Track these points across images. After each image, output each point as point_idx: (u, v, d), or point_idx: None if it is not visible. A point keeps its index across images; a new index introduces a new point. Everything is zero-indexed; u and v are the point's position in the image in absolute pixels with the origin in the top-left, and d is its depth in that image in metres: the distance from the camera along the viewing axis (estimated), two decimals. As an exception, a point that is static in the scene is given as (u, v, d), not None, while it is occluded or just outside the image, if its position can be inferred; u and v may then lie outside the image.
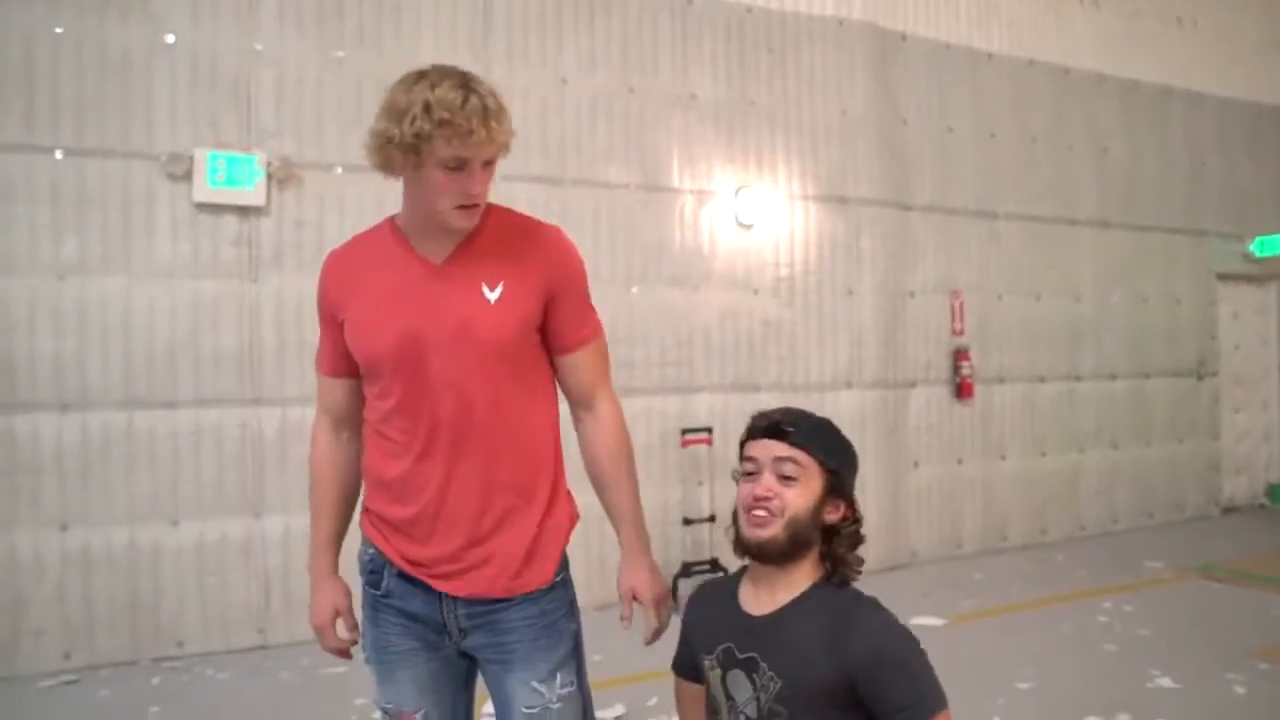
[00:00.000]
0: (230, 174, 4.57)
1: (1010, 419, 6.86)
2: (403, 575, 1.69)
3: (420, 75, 1.57)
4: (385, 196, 5.05)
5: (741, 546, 1.56)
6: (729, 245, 5.75)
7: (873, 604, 1.53)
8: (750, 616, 1.56)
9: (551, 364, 1.79)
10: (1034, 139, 7.04)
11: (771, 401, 5.86)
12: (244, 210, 4.64)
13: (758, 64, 5.87)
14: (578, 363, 1.78)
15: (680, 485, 5.53)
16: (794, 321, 5.91)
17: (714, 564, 5.44)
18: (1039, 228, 7.03)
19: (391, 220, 1.75)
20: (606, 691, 3.90)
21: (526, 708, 1.70)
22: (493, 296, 1.65)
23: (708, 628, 1.63)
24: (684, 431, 5.47)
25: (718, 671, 1.58)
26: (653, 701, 3.83)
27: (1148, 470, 7.57)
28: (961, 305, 6.62)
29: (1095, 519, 7.27)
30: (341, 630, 1.81)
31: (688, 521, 5.44)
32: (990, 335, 6.78)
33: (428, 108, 1.50)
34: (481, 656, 1.73)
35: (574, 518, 1.83)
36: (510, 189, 5.12)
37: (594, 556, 5.24)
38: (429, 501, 1.66)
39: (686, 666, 1.74)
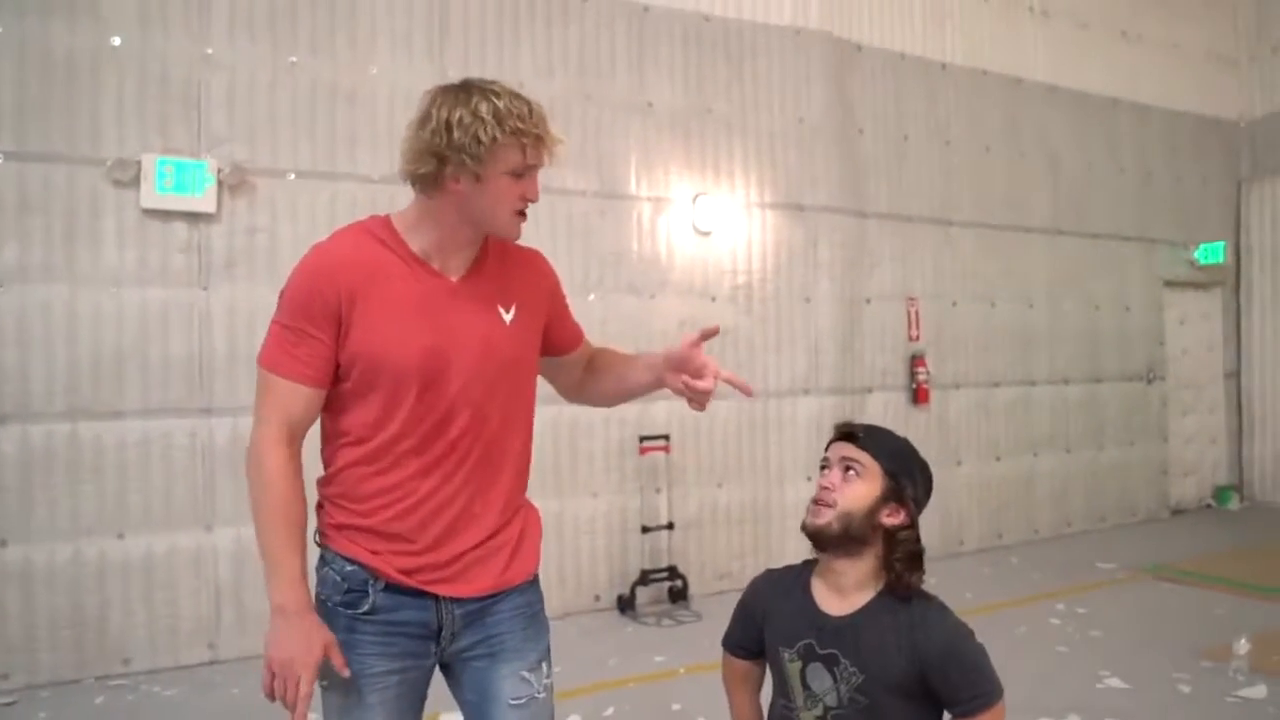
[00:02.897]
0: (179, 180, 4.49)
1: (966, 424, 6.95)
2: (390, 588, 1.65)
3: (466, 87, 1.61)
4: (337, 203, 5.03)
5: (804, 532, 1.74)
6: (686, 253, 5.76)
7: (940, 606, 1.71)
8: (828, 616, 1.72)
9: (547, 365, 1.95)
10: (987, 147, 7.15)
11: (729, 408, 5.90)
12: (194, 217, 4.55)
13: (715, 72, 5.90)
14: (580, 354, 1.99)
15: (639, 493, 5.52)
16: (752, 329, 5.93)
17: (672, 571, 5.44)
18: (993, 235, 7.15)
19: (388, 229, 1.68)
20: (563, 703, 3.87)
21: (514, 700, 1.72)
22: (508, 317, 1.73)
23: (786, 620, 1.77)
24: (642, 439, 5.46)
25: (798, 664, 1.73)
26: (609, 712, 3.80)
27: (1100, 474, 7.71)
28: (917, 312, 6.70)
29: (1049, 522, 7.38)
30: (336, 668, 1.61)
31: (646, 529, 5.43)
32: (946, 341, 6.87)
33: (499, 116, 1.55)
34: (467, 656, 1.72)
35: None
36: (467, 196, 5.09)
37: (552, 566, 5.22)
38: (435, 511, 1.66)
39: (743, 644, 1.88)
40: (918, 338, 6.69)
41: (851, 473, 1.72)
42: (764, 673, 1.92)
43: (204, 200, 4.53)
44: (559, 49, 5.44)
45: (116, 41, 4.42)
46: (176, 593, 4.46)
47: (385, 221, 1.70)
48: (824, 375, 6.13)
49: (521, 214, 1.68)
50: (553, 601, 5.32)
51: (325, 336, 1.61)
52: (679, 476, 5.63)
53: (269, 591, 1.58)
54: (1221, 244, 8.46)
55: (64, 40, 4.32)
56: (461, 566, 1.69)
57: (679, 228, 5.75)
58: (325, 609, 1.67)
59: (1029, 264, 7.36)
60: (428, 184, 1.61)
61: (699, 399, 1.75)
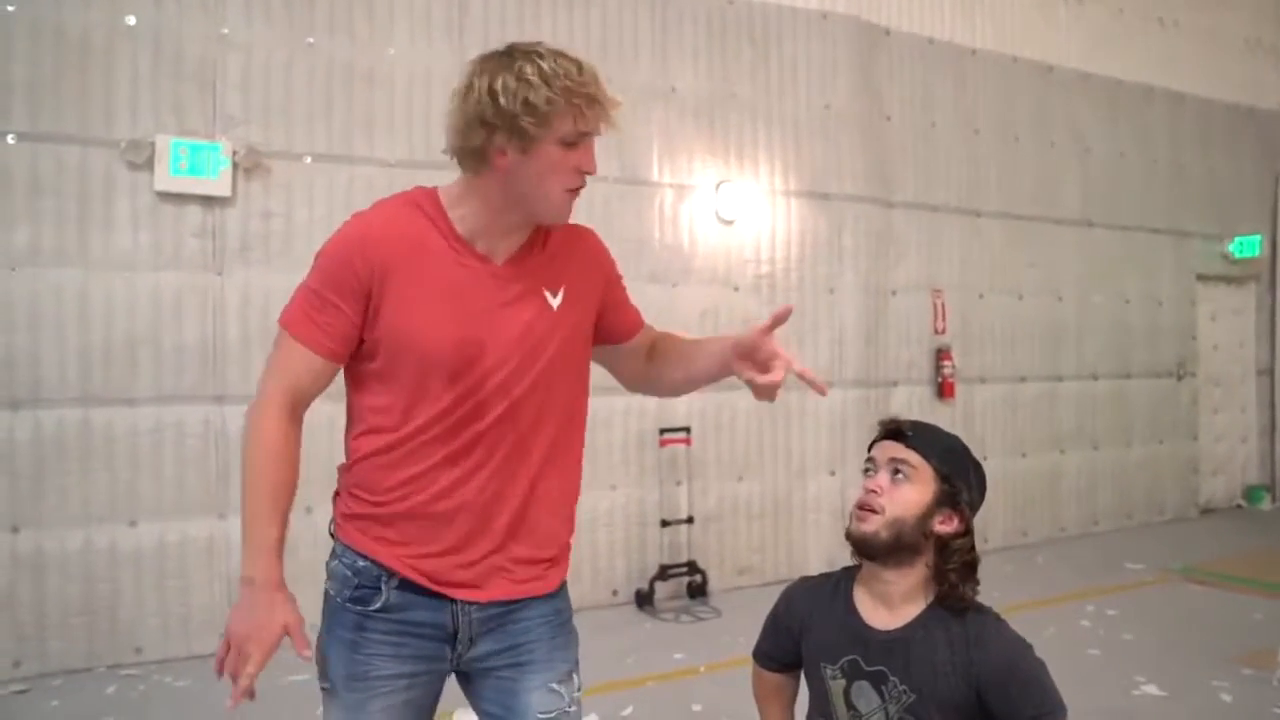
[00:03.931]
0: (194, 162, 4.40)
1: (991, 419, 6.80)
2: (405, 586, 1.55)
3: (509, 53, 1.47)
4: (355, 186, 4.94)
5: (849, 540, 1.60)
6: (709, 241, 5.64)
7: (996, 619, 1.58)
8: (874, 630, 1.59)
9: (606, 354, 1.79)
10: (1017, 136, 6.98)
11: (751, 400, 5.78)
12: (208, 200, 4.47)
13: (739, 56, 5.76)
14: (640, 341, 1.80)
15: (658, 486, 5.41)
16: (775, 319, 5.80)
17: (691, 566, 5.34)
18: (1021, 226, 6.98)
19: (436, 204, 1.56)
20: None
21: (542, 713, 1.59)
22: (555, 302, 1.60)
23: (827, 634, 1.65)
24: (662, 431, 5.36)
25: (841, 682, 1.61)
26: (628, 711, 3.71)
27: (1128, 471, 7.55)
28: (943, 304, 6.55)
29: (1075, 520, 7.23)
30: (296, 650, 1.50)
31: (665, 523, 5.32)
32: (972, 335, 6.72)
33: (546, 78, 1.41)
34: (490, 665, 1.60)
35: None
36: (485, 181, 4.99)
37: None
38: (460, 504, 1.54)
39: (775, 657, 1.77)
40: (943, 330, 6.54)
41: (900, 475, 1.58)
42: (798, 686, 1.80)
43: (219, 183, 4.45)
44: (580, 32, 5.32)
45: (131, 20, 4.33)
46: (188, 582, 4.40)
47: (433, 195, 1.58)
48: (847, 368, 6.00)
49: (575, 191, 1.54)
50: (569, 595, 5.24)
51: (350, 310, 1.50)
52: (699, 470, 5.52)
53: (242, 561, 1.48)
54: (1258, 237, 8.25)
55: (77, 19, 4.23)
56: (482, 571, 1.57)
57: (702, 215, 5.62)
58: (334, 605, 1.58)
59: (1058, 256, 7.18)
60: (475, 159, 1.50)
61: (768, 392, 1.57)
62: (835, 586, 1.71)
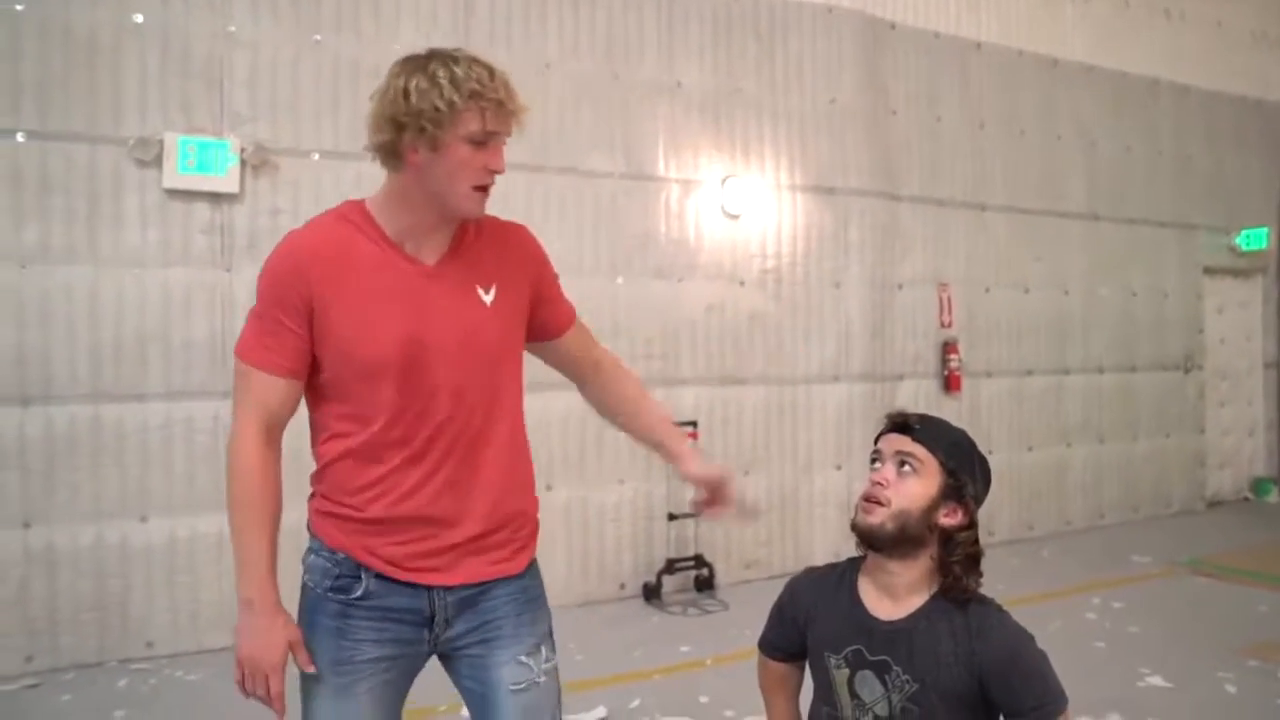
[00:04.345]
0: (202, 159, 4.43)
1: (998, 413, 6.80)
2: (382, 575, 1.63)
3: (428, 56, 1.55)
4: (362, 183, 4.92)
5: (854, 531, 1.62)
6: (715, 236, 5.65)
7: (998, 610, 1.59)
8: (878, 620, 1.61)
9: (539, 351, 1.87)
10: (1022, 130, 6.97)
11: (757, 394, 5.82)
12: (216, 197, 4.49)
13: (745, 51, 5.76)
14: (572, 338, 1.88)
15: (665, 480, 5.43)
16: (781, 314, 5.82)
17: (698, 559, 5.36)
18: (1027, 219, 6.98)
19: (362, 212, 1.64)
20: (588, 694, 3.81)
21: (513, 685, 1.68)
22: (488, 299, 1.67)
23: (831, 624, 1.67)
24: (669, 425, 5.37)
25: (845, 671, 1.63)
26: (635, 704, 3.73)
27: (1134, 464, 7.54)
28: (949, 298, 6.55)
29: (1081, 513, 7.23)
30: (300, 665, 1.63)
31: (673, 517, 5.34)
32: (978, 328, 6.72)
33: (455, 81, 1.50)
34: (462, 644, 1.69)
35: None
36: (491, 177, 5.00)
37: (576, 553, 5.15)
38: (427, 503, 1.62)
39: (781, 647, 1.79)
40: (950, 324, 6.54)
41: (907, 468, 1.58)
42: (803, 675, 1.82)
43: (227, 180, 4.47)
44: (586, 27, 5.32)
45: (139, 19, 4.35)
46: (199, 577, 4.43)
47: (360, 205, 1.65)
48: (854, 362, 6.01)
49: (483, 189, 1.60)
50: (576, 589, 5.28)
51: (298, 327, 1.57)
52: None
53: (238, 586, 1.57)
54: (1265, 229, 8.22)
55: (86, 17, 4.25)
56: (453, 557, 1.65)
57: (708, 210, 5.63)
58: (314, 596, 1.65)
59: (1064, 249, 7.18)
60: (388, 154, 1.58)
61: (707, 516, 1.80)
62: (840, 577, 1.72)
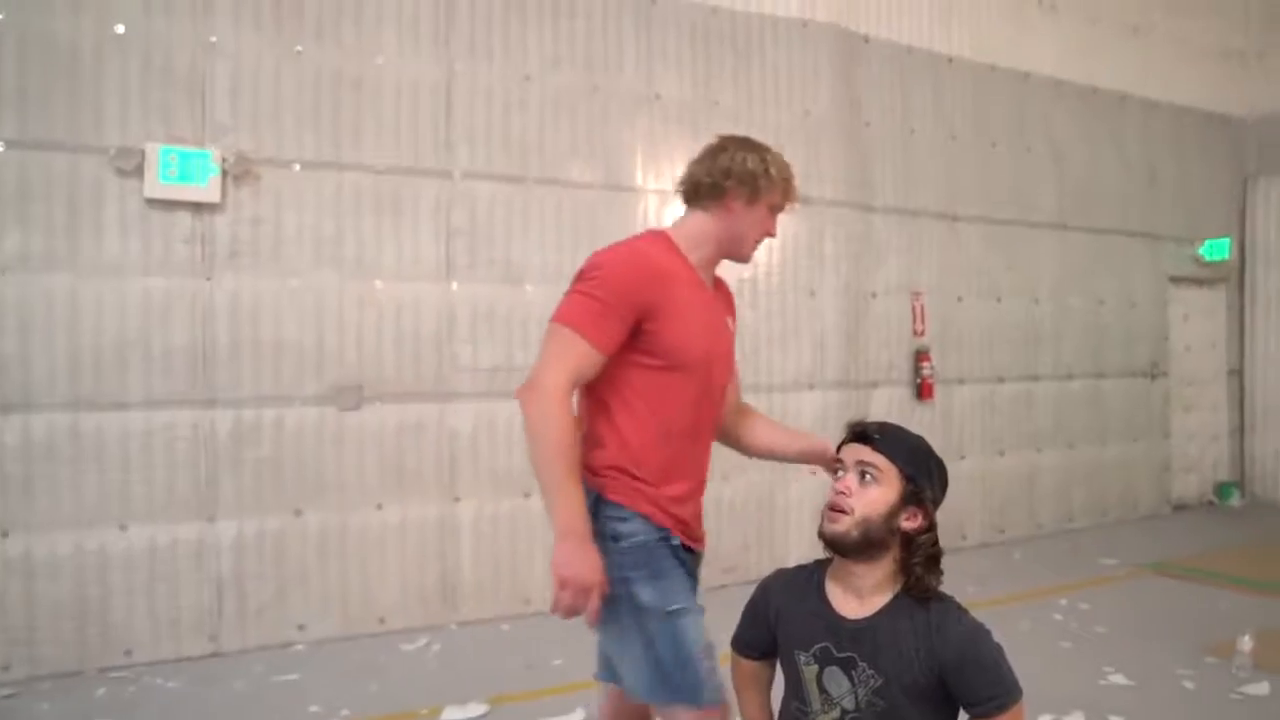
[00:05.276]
0: (183, 169, 4.45)
1: (970, 419, 6.93)
2: (676, 536, 2.01)
3: (751, 140, 2.15)
4: (343, 193, 5.00)
5: (821, 538, 1.72)
6: (692, 246, 5.72)
7: (957, 608, 1.70)
8: (844, 619, 1.70)
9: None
10: (994, 142, 7.11)
11: (734, 402, 5.85)
12: (197, 207, 4.52)
13: (722, 64, 5.86)
14: (732, 385, 2.32)
15: (643, 486, 5.50)
16: (756, 323, 5.91)
17: (676, 565, 5.42)
18: (999, 230, 7.12)
19: (671, 242, 2.08)
20: (567, 697, 3.87)
21: None
22: (732, 326, 2.24)
23: (801, 623, 1.76)
24: (647, 432, 5.43)
25: (814, 667, 1.72)
26: (614, 706, 3.79)
27: (1102, 469, 7.70)
28: (922, 307, 6.67)
29: (1052, 518, 7.38)
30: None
31: (650, 523, 5.40)
32: (951, 336, 6.84)
33: (779, 165, 2.12)
34: None
35: None
36: (472, 187, 5.07)
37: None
38: (696, 477, 2.08)
39: (753, 645, 1.89)
40: (923, 333, 6.66)
41: (868, 477, 1.68)
42: (774, 673, 1.90)
43: (208, 190, 4.50)
44: (566, 39, 5.40)
45: (120, 29, 4.38)
46: (178, 585, 4.45)
47: (666, 236, 2.10)
48: (829, 369, 6.11)
49: (758, 244, 2.17)
50: (550, 596, 5.31)
51: (630, 321, 1.92)
52: (683, 470, 5.60)
53: (555, 517, 1.82)
54: (1227, 240, 8.43)
55: (67, 27, 4.28)
56: (700, 529, 2.11)
57: (684, 220, 5.71)
58: (649, 548, 1.94)
59: (1035, 259, 7.33)
60: (714, 195, 2.08)
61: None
62: (808, 578, 1.81)
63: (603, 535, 1.91)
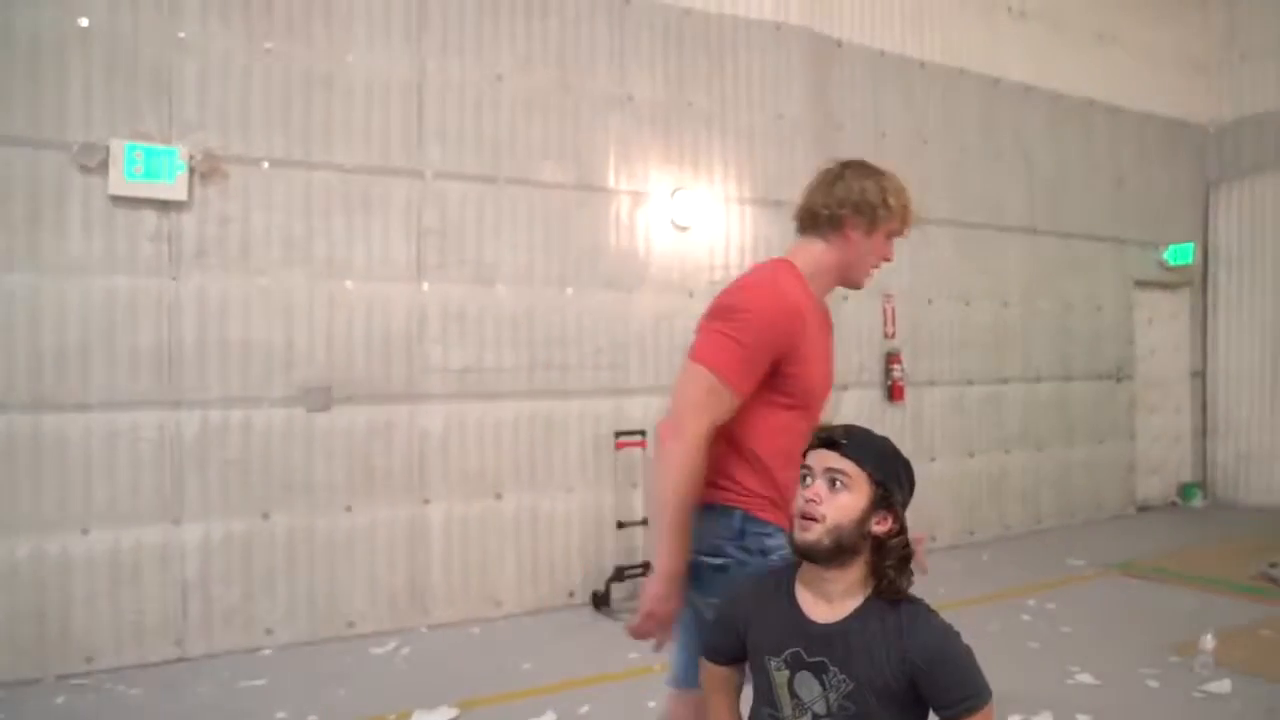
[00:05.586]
0: (149, 167, 4.38)
1: (940, 421, 6.99)
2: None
3: (868, 165, 2.17)
4: (313, 192, 4.93)
5: (792, 546, 1.70)
6: (665, 247, 5.74)
7: (927, 610, 1.69)
8: (815, 623, 1.69)
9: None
10: (964, 147, 7.18)
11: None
12: (164, 204, 4.45)
13: (695, 66, 5.87)
14: None
15: (614, 488, 5.49)
16: (729, 324, 5.90)
17: (647, 567, 5.42)
18: (969, 234, 7.19)
19: (798, 274, 2.11)
20: (537, 700, 3.85)
21: None
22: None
23: (771, 629, 1.74)
24: (618, 434, 5.43)
25: (785, 673, 1.71)
26: (584, 709, 3.78)
27: (1070, 471, 7.80)
28: (893, 309, 6.72)
29: (1020, 519, 7.46)
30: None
31: (621, 525, 5.40)
32: (921, 339, 6.90)
33: (897, 192, 2.13)
34: None
35: None
36: (443, 186, 5.03)
37: (526, 561, 5.19)
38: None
39: (722, 651, 1.86)
40: (893, 335, 6.71)
41: (838, 484, 1.66)
42: (744, 678, 1.89)
43: (175, 188, 4.43)
44: (539, 39, 5.38)
45: (84, 22, 4.30)
46: (142, 589, 4.37)
47: (793, 267, 2.12)
48: (800, 372, 6.12)
49: (872, 272, 2.22)
50: (526, 597, 5.31)
51: (768, 365, 1.98)
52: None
53: (662, 557, 1.94)
54: (1190, 245, 8.58)
55: (29, 20, 4.19)
56: None
57: (657, 222, 5.72)
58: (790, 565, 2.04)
59: (1004, 263, 7.41)
60: (833, 225, 2.11)
61: None
62: (778, 583, 1.79)
63: (751, 550, 2.02)
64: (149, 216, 4.43)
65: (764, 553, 2.02)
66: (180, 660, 4.40)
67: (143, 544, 4.37)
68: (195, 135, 4.51)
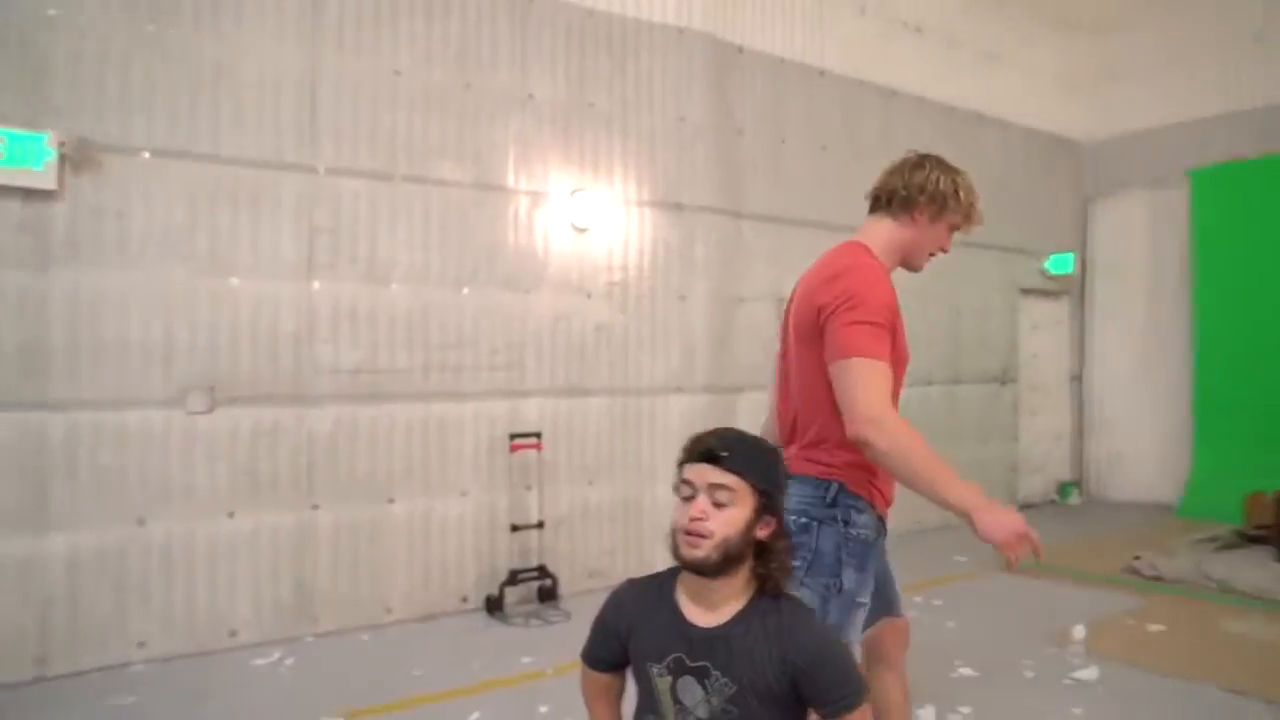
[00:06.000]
0: (13, 152, 4.12)
1: (834, 423, 7.14)
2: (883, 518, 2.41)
3: (946, 162, 2.42)
4: (199, 184, 4.71)
5: (680, 563, 1.70)
6: (563, 248, 5.71)
7: (806, 611, 1.74)
8: (697, 628, 1.70)
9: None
10: (860, 154, 7.37)
11: (602, 405, 5.88)
12: (29, 193, 4.19)
13: (597, 67, 5.86)
14: None
15: (508, 491, 5.44)
16: (626, 326, 5.93)
17: (542, 570, 5.39)
18: (863, 241, 7.36)
19: (872, 254, 2.34)
20: (427, 708, 3.78)
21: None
22: None
23: (653, 635, 1.74)
24: (513, 436, 5.38)
25: (668, 679, 1.71)
26: (474, 716, 3.72)
27: (957, 471, 8.06)
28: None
29: (907, 518, 7.68)
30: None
31: (515, 528, 5.35)
32: (817, 342, 7.03)
33: (970, 191, 2.40)
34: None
35: None
36: (337, 183, 4.89)
37: (418, 565, 5.09)
38: None
39: (603, 658, 1.85)
40: (791, 338, 6.82)
41: (723, 500, 1.65)
42: (624, 684, 1.88)
43: (43, 176, 4.18)
44: (439, 36, 5.28)
45: (-61, -3, 4.02)
46: (2, 603, 4.11)
47: (867, 249, 2.35)
48: (698, 374, 6.20)
49: (930, 258, 2.46)
50: (417, 602, 5.21)
51: (892, 330, 2.19)
52: (550, 474, 5.58)
53: (958, 504, 2.01)
54: (1071, 255, 9.03)
55: (-124, -8, 3.90)
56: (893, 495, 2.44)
57: (556, 223, 5.69)
58: (864, 544, 2.27)
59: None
60: (905, 206, 2.36)
61: None
62: (660, 588, 1.79)
63: (837, 520, 2.23)
64: (13, 206, 4.16)
65: (847, 523, 2.24)
66: (39, 680, 4.13)
67: (3, 556, 4.10)
68: (67, 121, 4.26)
